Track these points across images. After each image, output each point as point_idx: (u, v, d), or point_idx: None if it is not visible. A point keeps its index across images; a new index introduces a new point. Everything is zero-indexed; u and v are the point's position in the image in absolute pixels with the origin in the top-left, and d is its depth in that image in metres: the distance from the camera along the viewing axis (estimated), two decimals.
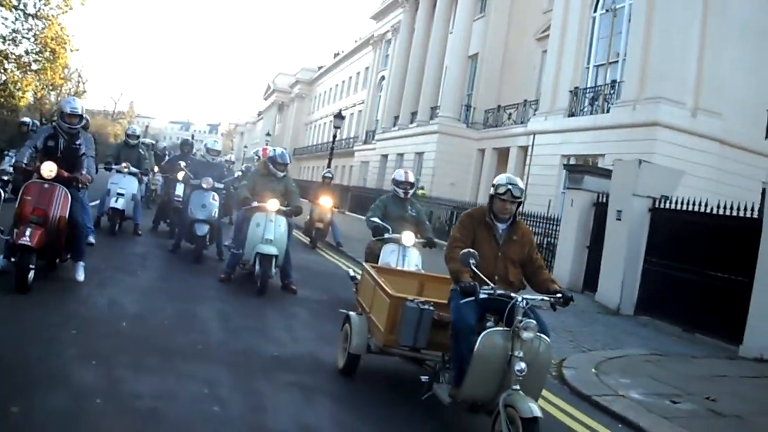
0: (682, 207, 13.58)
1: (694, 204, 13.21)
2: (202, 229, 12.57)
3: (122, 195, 14.13)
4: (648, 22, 22.74)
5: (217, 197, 13.06)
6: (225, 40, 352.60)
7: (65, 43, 35.85)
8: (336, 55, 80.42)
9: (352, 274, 10.82)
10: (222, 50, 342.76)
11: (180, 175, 14.76)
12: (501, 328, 5.42)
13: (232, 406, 5.40)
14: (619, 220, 14.64)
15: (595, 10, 26.63)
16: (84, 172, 8.50)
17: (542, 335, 5.45)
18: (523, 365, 5.17)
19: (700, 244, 12.93)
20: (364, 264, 8.60)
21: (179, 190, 14.85)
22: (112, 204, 14.04)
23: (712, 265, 12.48)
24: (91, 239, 11.03)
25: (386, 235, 10.45)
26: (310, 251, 17.91)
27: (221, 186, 13.42)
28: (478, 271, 5.53)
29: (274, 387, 6.14)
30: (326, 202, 18.85)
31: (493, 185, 6.10)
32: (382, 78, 53.81)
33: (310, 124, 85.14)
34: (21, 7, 33.85)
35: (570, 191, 17.18)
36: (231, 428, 5.03)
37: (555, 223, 18.40)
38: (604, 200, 15.59)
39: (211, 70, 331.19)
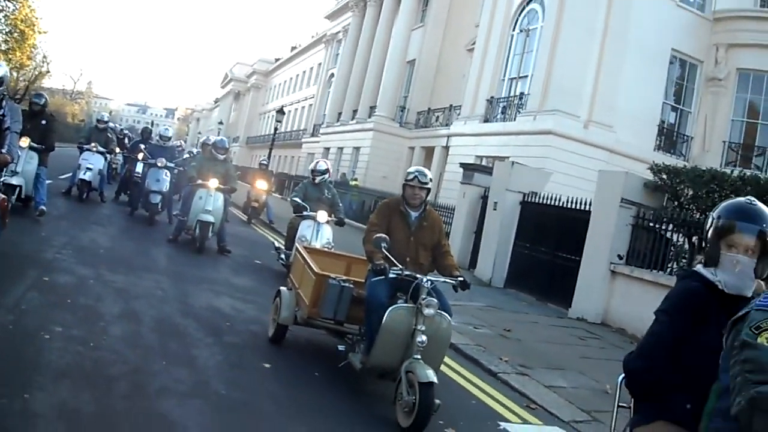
0: (543, 201, 16.22)
1: (551, 198, 15.88)
2: (156, 198, 15.63)
3: (90, 169, 16.53)
4: (553, 43, 25.78)
5: (169, 174, 16.05)
6: (186, 25, 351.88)
7: (34, 26, 36.66)
8: (293, 48, 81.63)
9: (276, 245, 13.72)
10: (182, 36, 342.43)
11: (140, 156, 17.54)
12: (407, 305, 6.05)
13: (169, 292, 9.01)
14: (495, 210, 17.34)
15: (514, 29, 29.50)
16: (4, 150, 7.09)
17: (443, 312, 6.13)
18: (424, 338, 5.81)
19: (553, 231, 15.57)
20: (296, 245, 9.65)
21: (139, 167, 17.50)
22: (81, 176, 16.46)
23: (560, 248, 15.19)
24: (43, 207, 12.51)
25: (304, 213, 12.05)
26: (245, 225, 21.05)
27: (172, 165, 16.41)
28: (389, 254, 6.17)
29: (197, 289, 9.68)
30: (261, 185, 21.69)
31: (405, 176, 6.84)
32: (332, 75, 55.72)
33: (264, 115, 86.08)
34: None
35: (462, 185, 19.84)
36: (168, 300, 8.52)
37: None
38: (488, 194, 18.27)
39: (170, 54, 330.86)
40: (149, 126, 23.92)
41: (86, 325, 6.52)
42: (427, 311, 5.83)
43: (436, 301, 5.92)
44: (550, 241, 15.78)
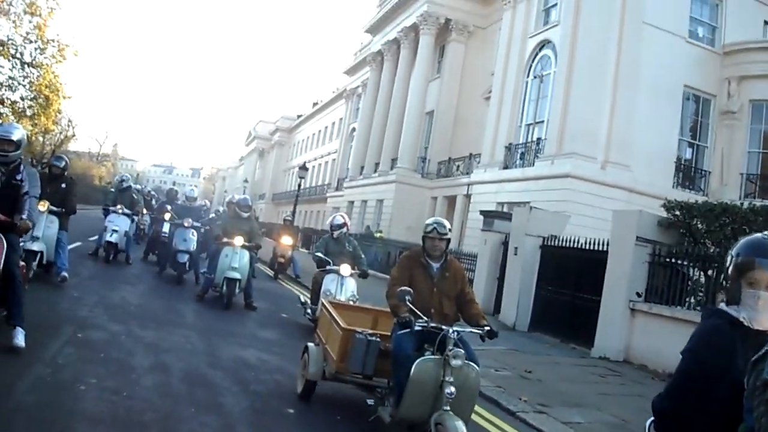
0: (562, 243, 16.48)
1: (570, 241, 16.13)
2: (183, 257, 15.97)
3: (116, 231, 16.59)
4: (567, 87, 26.35)
5: (195, 233, 16.37)
6: (209, 85, 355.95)
7: (58, 91, 37.05)
8: (315, 104, 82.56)
9: (303, 299, 13.71)
10: (206, 95, 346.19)
11: (166, 216, 18.05)
12: (434, 357, 5.92)
13: (197, 346, 9.35)
14: (516, 255, 17.63)
15: (528, 76, 30.10)
16: (24, 216, 7.00)
17: (471, 363, 6.01)
18: (452, 389, 5.68)
19: (574, 272, 15.83)
20: (322, 300, 9.64)
21: (166, 227, 17.99)
22: (108, 238, 16.48)
23: (581, 289, 15.37)
24: (65, 274, 12.12)
25: (328, 267, 12.21)
26: (272, 281, 21.35)
27: (199, 225, 16.80)
28: (413, 306, 6.05)
29: (224, 342, 10.00)
30: (287, 240, 22.10)
31: (424, 228, 6.85)
32: (353, 129, 56.33)
33: (289, 171, 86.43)
34: (18, 56, 35.60)
35: (483, 232, 20.20)
36: (197, 353, 8.89)
37: None
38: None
39: (194, 114, 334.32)
40: (174, 187, 24.50)
41: (119, 377, 6.91)
42: (454, 362, 5.77)
43: (463, 351, 5.87)
44: (570, 283, 15.99)
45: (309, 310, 12.55)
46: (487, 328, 6.29)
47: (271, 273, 22.75)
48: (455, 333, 5.95)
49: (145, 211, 21.91)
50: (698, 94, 28.60)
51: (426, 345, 6.13)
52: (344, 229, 13.25)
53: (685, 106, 28.31)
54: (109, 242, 16.59)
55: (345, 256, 12.64)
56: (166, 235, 17.76)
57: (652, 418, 3.34)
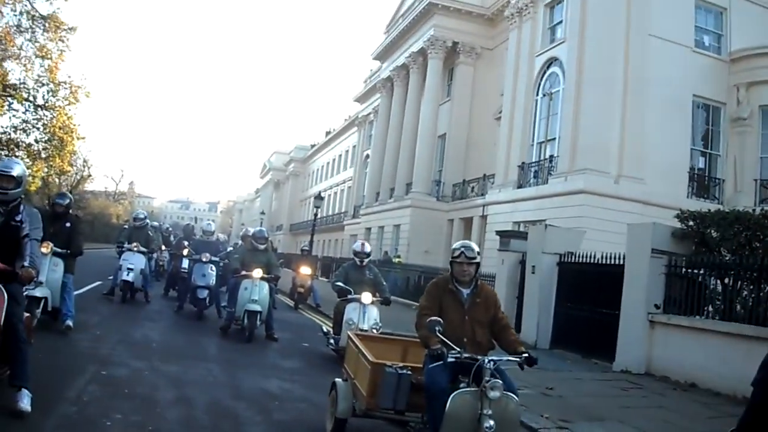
0: (579, 259, 16.56)
1: (586, 256, 16.18)
2: (203, 293, 15.96)
3: (131, 269, 16.22)
4: (576, 104, 26.56)
5: (214, 268, 16.38)
6: (222, 118, 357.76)
7: (72, 132, 36.91)
8: (328, 133, 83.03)
9: (324, 329, 13.83)
10: (219, 129, 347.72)
11: (185, 252, 18.25)
12: (470, 389, 5.58)
13: (220, 378, 9.49)
14: (533, 273, 17.72)
15: (537, 94, 30.29)
16: (26, 263, 6.30)
17: (509, 393, 5.66)
18: (491, 422, 5.37)
19: (592, 287, 15.87)
20: (348, 332, 9.08)
21: (184, 263, 18.13)
22: (123, 277, 16.14)
23: (600, 303, 15.43)
24: (70, 323, 11.13)
25: (349, 296, 12.19)
26: (292, 311, 21.45)
27: (217, 259, 16.77)
28: (444, 337, 5.76)
29: (246, 373, 10.13)
30: (305, 270, 22.26)
31: (451, 253, 6.52)
32: (367, 156, 56.63)
33: (305, 200, 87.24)
34: (30, 99, 35.47)
35: (500, 252, 20.27)
36: (219, 385, 9.02)
37: None
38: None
39: (209, 148, 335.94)
40: (191, 223, 24.74)
41: (144, 412, 7.04)
42: (492, 394, 5.41)
43: (500, 382, 5.50)
44: (589, 298, 16.04)
45: (332, 340, 12.51)
46: (525, 355, 5.92)
47: (291, 303, 22.88)
48: (491, 363, 5.64)
49: (163, 247, 22.08)
50: (708, 103, 28.66)
51: (460, 376, 5.83)
52: (368, 258, 13.28)
53: (695, 115, 28.35)
54: (125, 281, 16.32)
55: (366, 284, 12.65)
56: (186, 270, 17.84)
57: None
